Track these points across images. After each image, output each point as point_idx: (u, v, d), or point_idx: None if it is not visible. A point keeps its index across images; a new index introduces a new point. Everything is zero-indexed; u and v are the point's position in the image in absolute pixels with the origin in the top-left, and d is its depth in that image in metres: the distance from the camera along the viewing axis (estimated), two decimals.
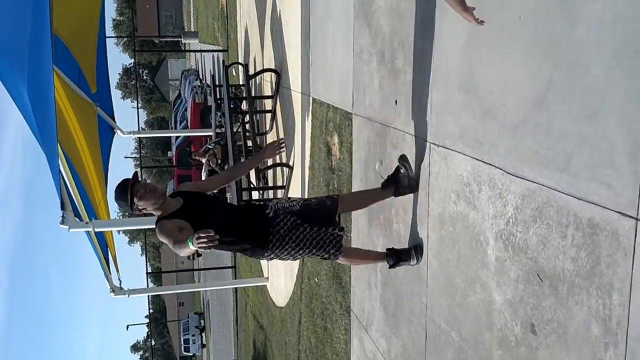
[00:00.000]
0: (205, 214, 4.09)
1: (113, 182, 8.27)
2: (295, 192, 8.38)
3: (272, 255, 4.22)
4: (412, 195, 4.39)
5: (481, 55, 3.34)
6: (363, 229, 5.44)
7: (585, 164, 2.53)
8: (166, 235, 3.88)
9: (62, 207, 6.14)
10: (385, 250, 4.50)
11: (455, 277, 3.75)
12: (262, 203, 4.39)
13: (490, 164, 3.29)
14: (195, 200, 4.19)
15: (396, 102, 4.62)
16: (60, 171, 6.07)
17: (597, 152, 2.46)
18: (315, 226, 4.20)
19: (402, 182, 4.36)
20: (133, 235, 68.39)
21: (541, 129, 2.81)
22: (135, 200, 4.01)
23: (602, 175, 2.43)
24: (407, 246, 4.46)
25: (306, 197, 4.66)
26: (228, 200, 11.85)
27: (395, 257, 4.38)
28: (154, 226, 4.14)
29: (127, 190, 4.00)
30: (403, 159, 4.49)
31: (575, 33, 2.58)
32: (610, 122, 2.38)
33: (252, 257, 4.33)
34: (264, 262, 11.59)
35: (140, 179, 4.33)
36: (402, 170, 4.36)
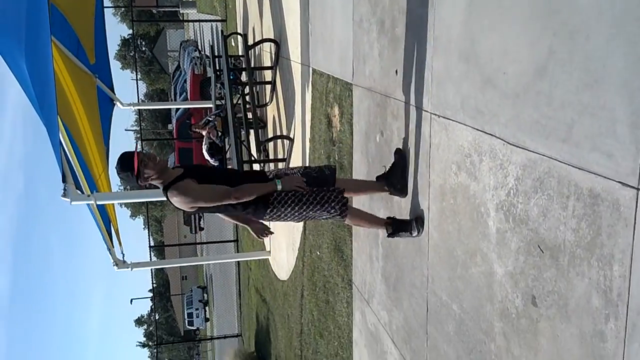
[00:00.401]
0: (208, 179, 4.11)
1: (114, 154, 8.25)
2: (296, 164, 8.36)
3: (275, 215, 4.22)
4: (412, 166, 4.37)
5: (482, 23, 3.29)
6: (364, 201, 5.44)
7: (586, 133, 2.50)
8: (198, 190, 3.97)
9: (64, 180, 6.14)
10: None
11: (456, 249, 3.75)
12: (261, 170, 4.38)
13: (491, 134, 3.27)
14: (195, 168, 4.26)
15: (396, 72, 4.58)
16: (60, 143, 6.05)
17: (598, 122, 2.43)
18: (316, 187, 4.24)
19: (394, 183, 4.45)
20: (135, 209, 68.62)
21: (542, 98, 2.78)
22: (142, 168, 3.99)
23: (603, 144, 2.41)
24: (408, 217, 4.46)
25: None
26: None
27: (395, 226, 4.38)
28: (163, 197, 4.17)
29: (131, 162, 3.98)
30: (398, 152, 4.55)
31: (576, 0, 2.53)
32: (611, 91, 2.35)
33: (255, 218, 4.35)
34: None
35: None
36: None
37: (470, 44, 3.42)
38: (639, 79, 2.21)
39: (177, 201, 4.05)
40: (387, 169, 4.55)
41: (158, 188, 4.18)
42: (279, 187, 4.10)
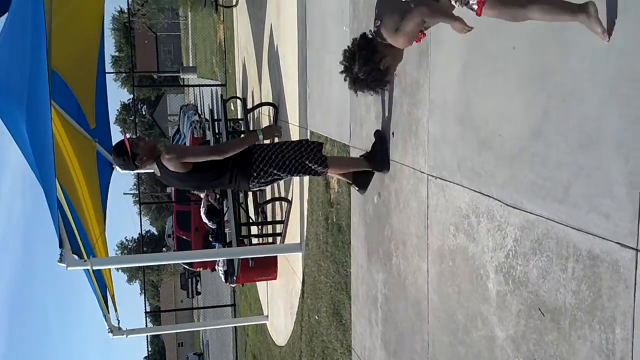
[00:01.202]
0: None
1: (111, 219, 8.24)
2: (294, 226, 8.34)
3: (261, 176, 4.50)
4: (411, 229, 4.35)
5: (476, 86, 3.33)
6: (362, 263, 5.39)
7: (583, 194, 2.49)
8: (188, 148, 4.41)
9: (60, 245, 6.10)
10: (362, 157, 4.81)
11: (457, 313, 3.68)
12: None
13: (488, 196, 3.26)
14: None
15: (393, 134, 4.61)
16: (58, 208, 6.03)
17: (594, 182, 2.43)
18: (295, 144, 4.57)
19: (377, 159, 4.70)
20: (132, 273, 67.94)
21: (538, 159, 2.79)
22: (134, 150, 4.33)
23: (600, 205, 2.40)
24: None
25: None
26: (227, 237, 11.82)
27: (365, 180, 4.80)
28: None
29: (124, 147, 4.33)
30: (378, 133, 4.76)
31: (569, 63, 2.57)
32: (606, 152, 2.36)
33: (240, 189, 4.66)
34: (263, 300, 11.47)
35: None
36: (377, 147, 4.68)
37: (465, 107, 3.46)
38: (633, 139, 2.22)
39: (170, 162, 4.35)
40: (368, 151, 4.78)
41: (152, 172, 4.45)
42: (261, 137, 4.43)
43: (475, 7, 2.48)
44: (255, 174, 4.49)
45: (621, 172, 2.29)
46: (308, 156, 4.55)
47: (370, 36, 2.61)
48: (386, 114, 4.73)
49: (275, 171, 4.51)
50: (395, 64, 2.65)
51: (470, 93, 3.41)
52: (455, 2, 2.52)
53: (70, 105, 7.67)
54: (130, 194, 45.24)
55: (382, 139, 4.68)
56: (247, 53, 13.02)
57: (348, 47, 2.64)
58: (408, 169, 4.35)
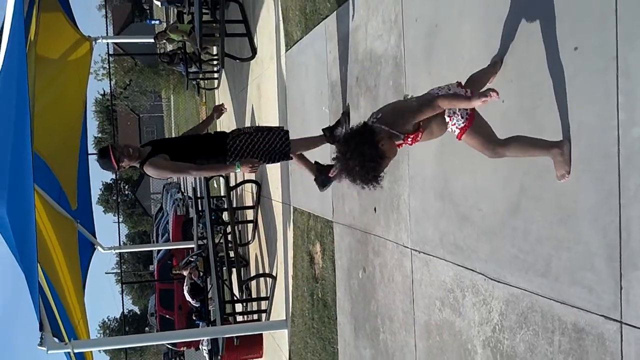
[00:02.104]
0: (176, 152, 4.78)
1: (93, 298, 8.09)
2: (279, 303, 8.25)
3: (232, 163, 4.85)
4: (397, 303, 4.33)
5: (454, 163, 3.41)
6: (349, 340, 5.33)
7: (565, 267, 2.53)
8: (163, 165, 4.68)
9: (41, 328, 5.99)
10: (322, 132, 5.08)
11: None
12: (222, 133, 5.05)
13: (472, 270, 3.28)
14: (163, 143, 4.92)
15: (375, 209, 4.66)
16: (39, 291, 5.94)
17: (574, 256, 2.47)
18: (266, 134, 4.86)
19: (338, 133, 5.01)
20: (114, 355, 66.05)
21: (518, 233, 2.83)
22: (120, 164, 4.71)
23: (582, 278, 2.43)
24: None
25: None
26: (211, 315, 11.63)
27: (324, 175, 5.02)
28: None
29: (108, 153, 4.67)
30: (345, 115, 5.13)
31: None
32: (584, 226, 2.41)
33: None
34: None
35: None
36: (340, 128, 5.04)
37: (444, 183, 3.53)
38: (610, 213, 2.28)
39: (151, 173, 4.75)
40: (332, 124, 5.19)
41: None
42: (237, 170, 4.74)
43: (457, 132, 2.61)
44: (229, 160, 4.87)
45: (600, 246, 2.33)
46: (276, 144, 4.90)
47: (370, 125, 2.56)
48: (368, 190, 4.78)
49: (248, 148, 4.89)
50: (391, 154, 2.56)
51: (448, 170, 3.49)
52: (448, 118, 2.60)
53: (52, 187, 7.67)
54: (113, 273, 44.57)
55: (345, 118, 5.15)
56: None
57: (345, 134, 2.56)
58: (391, 244, 4.38)
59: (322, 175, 5.12)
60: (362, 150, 2.45)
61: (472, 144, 2.65)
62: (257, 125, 5.45)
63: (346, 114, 5.13)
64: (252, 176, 10.03)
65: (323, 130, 5.12)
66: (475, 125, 2.59)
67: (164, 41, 12.91)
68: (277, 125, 5.56)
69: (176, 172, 5.01)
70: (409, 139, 2.61)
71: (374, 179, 2.52)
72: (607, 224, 2.29)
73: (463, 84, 2.71)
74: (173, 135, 35.18)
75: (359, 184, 2.53)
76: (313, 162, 5.22)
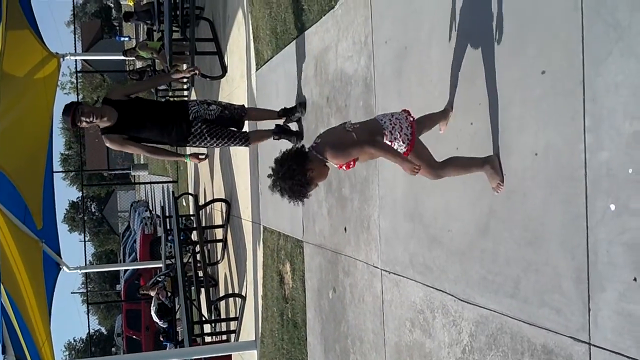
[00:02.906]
0: (137, 127, 5.17)
1: (59, 319, 7.92)
2: (249, 323, 8.17)
3: (194, 145, 5.35)
4: (367, 324, 4.31)
5: (424, 184, 3.42)
6: None
7: (533, 289, 2.54)
8: (119, 144, 5.20)
9: (4, 352, 5.82)
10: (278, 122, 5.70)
11: None
12: (184, 102, 5.52)
13: (441, 291, 3.28)
14: (127, 114, 5.11)
15: (345, 229, 4.65)
16: (2, 314, 5.79)
17: (543, 278, 2.48)
18: (227, 129, 5.38)
19: (292, 117, 5.64)
20: None
21: (487, 254, 2.84)
22: (78, 123, 5.01)
23: (550, 300, 2.45)
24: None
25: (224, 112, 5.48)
26: (179, 336, 11.47)
27: (281, 130, 5.61)
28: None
29: (70, 112, 4.94)
30: (302, 105, 5.59)
31: (510, 162, 2.68)
32: (552, 248, 2.43)
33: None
34: None
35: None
36: (296, 114, 5.63)
37: (415, 203, 3.54)
38: (577, 236, 2.30)
39: (108, 145, 5.26)
40: (288, 108, 5.72)
41: None
42: (187, 161, 5.70)
43: (406, 146, 2.83)
44: (189, 144, 5.36)
45: (568, 268, 2.35)
46: (235, 142, 5.45)
47: (305, 150, 2.81)
48: (338, 210, 4.78)
49: (207, 146, 5.45)
50: (319, 179, 2.84)
51: (418, 190, 3.50)
52: (388, 141, 2.82)
53: (16, 206, 7.52)
54: (78, 293, 43.71)
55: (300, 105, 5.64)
56: (198, 151, 13.11)
57: (281, 154, 2.81)
58: (362, 264, 4.37)
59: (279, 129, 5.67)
60: (292, 175, 2.71)
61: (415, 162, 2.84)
62: (221, 103, 5.62)
63: (302, 104, 5.59)
64: (222, 194, 9.96)
65: (279, 110, 5.76)
66: (415, 151, 2.82)
67: (133, 58, 12.83)
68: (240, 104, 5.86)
69: (129, 151, 5.56)
70: (342, 167, 2.85)
71: (300, 199, 2.79)
72: (574, 247, 2.31)
73: (413, 116, 2.92)
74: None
75: (286, 198, 2.81)
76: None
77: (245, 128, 5.71)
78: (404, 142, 2.80)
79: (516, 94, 2.65)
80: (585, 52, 2.26)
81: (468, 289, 3.02)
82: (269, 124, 5.80)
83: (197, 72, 5.52)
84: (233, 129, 5.44)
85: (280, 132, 5.62)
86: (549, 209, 2.44)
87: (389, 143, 2.81)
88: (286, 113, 5.68)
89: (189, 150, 5.46)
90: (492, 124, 2.82)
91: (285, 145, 5.41)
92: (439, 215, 3.28)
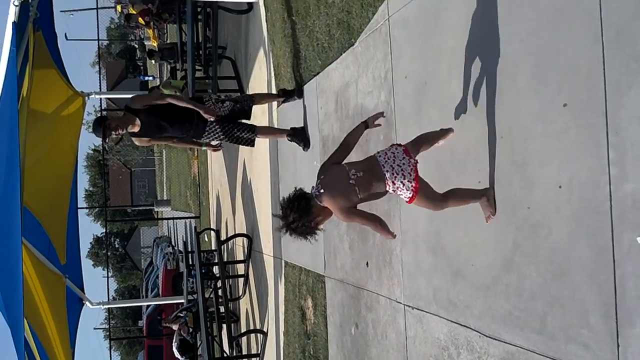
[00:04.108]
0: (159, 130, 5.80)
1: (81, 355, 7.91)
2: None
3: (209, 139, 5.93)
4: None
5: (446, 218, 3.40)
6: None
7: (560, 324, 2.49)
8: (146, 142, 6.16)
9: None
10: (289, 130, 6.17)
11: None
12: (201, 99, 5.96)
13: (466, 326, 3.24)
14: (148, 121, 5.69)
15: (367, 264, 4.62)
16: (25, 348, 5.81)
17: (570, 313, 2.44)
18: (237, 122, 5.88)
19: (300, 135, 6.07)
20: None
21: (512, 289, 2.80)
22: (108, 136, 5.73)
23: (578, 336, 2.40)
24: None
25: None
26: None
27: (296, 133, 6.07)
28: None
29: (100, 126, 5.62)
30: (300, 92, 6.16)
31: (534, 196, 2.66)
32: (579, 283, 2.39)
33: (195, 139, 6.05)
34: None
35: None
36: (295, 97, 6.20)
37: (437, 237, 3.51)
38: (604, 270, 2.26)
39: (137, 143, 6.16)
40: (295, 129, 6.15)
41: None
42: (204, 148, 6.47)
43: (407, 198, 2.99)
44: (204, 137, 5.88)
45: (595, 302, 2.30)
46: (243, 138, 5.92)
47: (308, 196, 2.98)
48: (359, 244, 4.76)
49: (221, 140, 6.00)
50: (325, 219, 3.04)
51: (440, 224, 3.48)
52: (388, 185, 2.98)
53: (41, 241, 7.60)
54: (101, 328, 43.76)
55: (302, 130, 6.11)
56: (220, 186, 13.20)
57: (286, 198, 2.99)
58: (384, 299, 4.32)
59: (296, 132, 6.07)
60: (300, 217, 2.92)
61: (418, 204, 3.04)
62: (231, 97, 6.18)
63: (300, 92, 6.18)
64: (244, 230, 9.98)
65: (279, 90, 6.41)
66: (420, 193, 2.95)
67: None
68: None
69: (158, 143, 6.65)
70: None
71: (309, 237, 3.02)
72: (601, 281, 2.27)
73: (409, 146, 3.08)
74: (164, 188, 35.29)
75: (297, 239, 3.03)
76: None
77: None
78: (407, 189, 2.93)
79: (538, 127, 2.64)
80: (607, 85, 2.25)
81: (493, 324, 2.97)
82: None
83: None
84: (243, 121, 5.96)
85: (295, 135, 6.07)
86: (575, 243, 2.41)
87: (393, 192, 3.00)
88: (285, 94, 6.29)
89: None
90: (515, 158, 2.80)
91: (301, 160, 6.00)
92: (462, 249, 3.25)
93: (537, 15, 2.65)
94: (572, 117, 2.43)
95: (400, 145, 3.06)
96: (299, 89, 6.18)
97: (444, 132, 3.27)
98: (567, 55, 2.46)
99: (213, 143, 6.27)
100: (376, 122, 3.27)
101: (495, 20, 2.96)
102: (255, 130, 5.93)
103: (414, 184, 2.91)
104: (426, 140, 3.22)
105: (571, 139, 2.44)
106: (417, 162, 2.98)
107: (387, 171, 2.93)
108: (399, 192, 2.97)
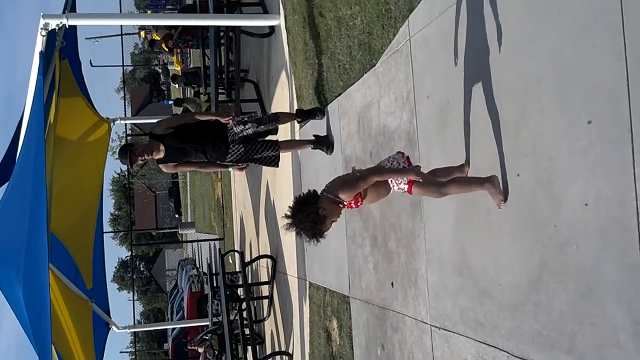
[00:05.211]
0: (183, 155, 5.92)
1: None
2: None
3: (232, 160, 5.96)
4: None
5: (471, 237, 3.38)
6: None
7: (590, 344, 2.45)
8: (171, 169, 6.28)
9: None
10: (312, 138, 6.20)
11: None
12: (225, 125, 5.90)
13: (494, 347, 3.20)
14: (172, 147, 5.78)
15: (392, 284, 4.60)
16: None
17: (599, 332, 2.40)
18: (260, 141, 5.96)
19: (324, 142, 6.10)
20: None
21: (540, 308, 2.77)
22: (134, 162, 5.76)
23: (608, 355, 2.36)
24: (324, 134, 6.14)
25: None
26: None
27: (319, 140, 6.11)
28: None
29: (126, 154, 5.66)
30: (320, 111, 6.21)
31: (561, 213, 2.64)
32: (608, 300, 2.35)
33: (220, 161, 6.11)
34: None
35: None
36: (316, 117, 6.27)
37: (462, 257, 3.49)
38: (633, 287, 2.23)
39: (164, 170, 6.34)
40: (318, 136, 6.17)
41: None
42: (230, 170, 6.88)
43: (406, 187, 3.12)
44: (228, 158, 5.95)
45: (625, 321, 2.27)
46: (270, 159, 6.03)
47: (316, 192, 3.13)
48: (384, 265, 4.74)
49: (243, 161, 6.01)
50: (332, 217, 3.13)
51: (466, 243, 3.46)
52: (391, 182, 3.16)
53: (67, 267, 7.68)
54: (127, 352, 43.91)
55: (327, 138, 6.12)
56: (244, 208, 13.25)
57: (294, 199, 3.15)
58: (410, 320, 4.29)
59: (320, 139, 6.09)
60: (308, 214, 3.04)
61: (420, 193, 3.18)
62: (255, 117, 6.16)
63: (322, 111, 6.20)
64: (268, 251, 9.99)
65: (297, 110, 6.45)
66: (415, 184, 3.09)
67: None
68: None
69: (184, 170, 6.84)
70: (351, 204, 3.16)
71: (315, 237, 3.11)
72: (631, 298, 2.24)
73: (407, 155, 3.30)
74: (189, 210, 35.50)
75: (305, 239, 3.14)
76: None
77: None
78: (403, 183, 3.12)
79: (562, 144, 2.62)
80: (632, 100, 2.23)
81: (522, 344, 2.93)
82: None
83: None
84: (266, 139, 6.03)
85: (318, 141, 6.11)
86: (603, 260, 2.38)
87: (391, 185, 3.17)
88: (304, 114, 6.34)
89: None
90: (540, 176, 2.79)
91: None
92: (488, 268, 3.22)
93: (559, 33, 2.65)
94: (597, 134, 2.42)
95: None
96: (321, 108, 6.22)
97: (460, 168, 3.40)
98: (591, 72, 2.46)
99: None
100: None
101: (518, 38, 2.96)
102: (278, 147, 5.98)
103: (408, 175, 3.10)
104: (440, 173, 3.37)
105: (596, 156, 2.42)
106: (409, 156, 3.25)
107: (384, 163, 3.23)
108: (396, 188, 3.16)
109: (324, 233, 3.11)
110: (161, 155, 5.79)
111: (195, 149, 5.86)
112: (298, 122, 6.39)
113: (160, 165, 6.10)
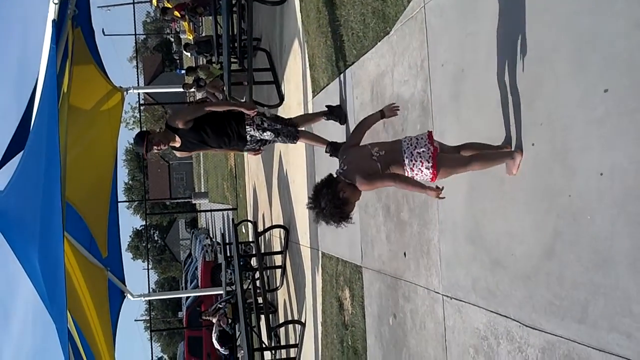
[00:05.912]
0: (200, 146, 6.00)
1: (122, 346, 8.07)
2: (309, 350, 8.14)
3: (251, 148, 6.06)
4: (429, 351, 4.24)
5: (484, 207, 3.37)
6: None
7: (602, 313, 2.45)
8: (187, 154, 6.36)
9: None
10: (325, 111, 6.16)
11: None
12: (242, 118, 5.84)
13: (506, 316, 3.21)
14: (188, 139, 5.83)
15: (405, 254, 4.61)
16: (69, 340, 5.95)
17: (612, 301, 2.40)
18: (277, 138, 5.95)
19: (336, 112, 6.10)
20: None
21: (553, 278, 2.77)
22: (149, 149, 5.84)
23: (620, 324, 2.36)
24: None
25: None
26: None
27: (331, 110, 6.09)
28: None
29: (143, 141, 5.72)
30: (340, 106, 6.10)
31: (575, 183, 2.62)
32: (621, 271, 2.34)
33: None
34: None
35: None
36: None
37: (475, 227, 3.48)
38: None
39: (178, 155, 6.39)
40: (331, 106, 6.16)
41: None
42: (245, 152, 6.43)
43: (430, 176, 3.05)
44: (247, 145, 5.98)
45: (638, 291, 2.26)
46: (285, 140, 6.00)
47: (334, 177, 3.12)
48: (397, 235, 4.75)
49: (261, 150, 6.17)
50: (354, 198, 3.13)
51: (479, 214, 3.45)
52: (411, 169, 3.07)
53: (82, 235, 7.75)
54: (142, 320, 44.56)
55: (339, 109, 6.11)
56: (257, 178, 13.28)
57: (315, 186, 3.12)
58: (422, 290, 4.31)
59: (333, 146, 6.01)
60: (329, 199, 3.03)
61: (444, 177, 3.10)
62: (275, 128, 6.03)
63: (344, 115, 6.08)
64: (280, 221, 10.03)
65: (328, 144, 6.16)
66: (440, 174, 3.04)
67: (194, 90, 13.17)
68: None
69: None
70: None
71: (343, 220, 3.10)
72: None
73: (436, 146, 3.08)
74: (202, 180, 35.64)
75: (331, 224, 3.11)
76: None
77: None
78: (426, 175, 3.05)
79: (578, 113, 2.59)
80: None
81: (534, 314, 2.94)
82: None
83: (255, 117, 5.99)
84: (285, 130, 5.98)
85: (331, 112, 6.10)
86: (617, 230, 2.37)
87: (412, 173, 3.06)
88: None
89: None
90: (555, 145, 2.76)
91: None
92: (501, 238, 3.21)
93: (576, 0, 2.60)
94: (613, 103, 2.38)
95: (429, 132, 3.16)
96: (340, 107, 6.12)
97: (497, 148, 3.22)
98: (608, 40, 2.41)
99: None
100: (390, 113, 3.34)
101: (534, 6, 2.91)
102: (297, 136, 6.02)
103: (431, 171, 3.02)
104: (474, 147, 3.28)
105: (613, 125, 2.39)
106: (436, 148, 3.05)
107: (406, 157, 3.05)
108: (418, 178, 3.09)
109: (350, 214, 3.11)
110: (177, 144, 5.88)
111: (212, 144, 5.92)
112: (325, 116, 6.25)
113: (176, 153, 6.19)
